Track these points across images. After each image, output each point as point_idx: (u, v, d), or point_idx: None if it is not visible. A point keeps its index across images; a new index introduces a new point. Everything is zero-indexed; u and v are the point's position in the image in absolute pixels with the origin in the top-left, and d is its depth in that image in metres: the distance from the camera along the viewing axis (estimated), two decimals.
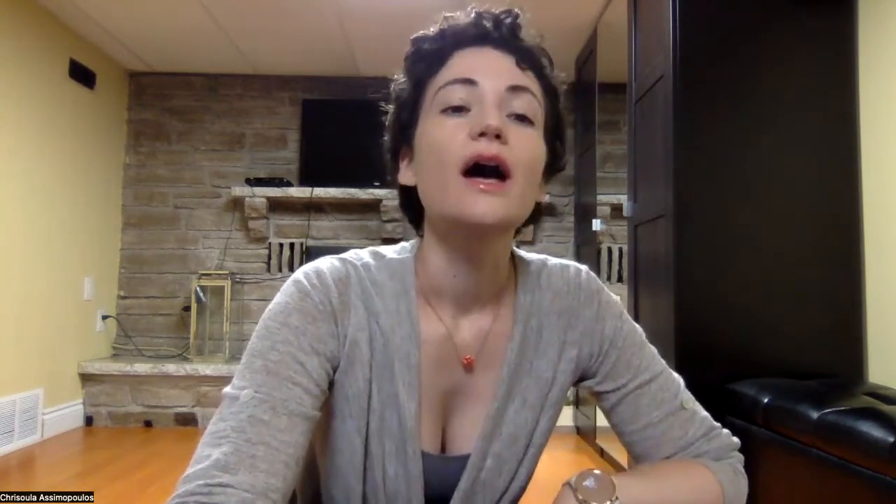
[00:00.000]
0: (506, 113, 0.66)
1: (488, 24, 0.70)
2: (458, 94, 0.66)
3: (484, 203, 0.63)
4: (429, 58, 0.70)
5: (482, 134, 0.64)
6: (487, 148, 0.63)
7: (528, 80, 0.69)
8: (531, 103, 0.68)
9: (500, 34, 0.70)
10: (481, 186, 0.63)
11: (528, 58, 0.70)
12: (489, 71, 0.67)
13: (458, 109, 0.66)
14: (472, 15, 0.71)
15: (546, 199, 0.76)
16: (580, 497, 0.65)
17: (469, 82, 0.66)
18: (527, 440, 0.75)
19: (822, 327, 2.00)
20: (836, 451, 1.44)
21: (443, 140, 0.65)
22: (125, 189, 4.02)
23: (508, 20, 0.70)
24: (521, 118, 0.67)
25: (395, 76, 0.74)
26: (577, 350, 0.77)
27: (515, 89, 0.67)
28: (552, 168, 0.74)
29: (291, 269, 3.98)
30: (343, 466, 0.71)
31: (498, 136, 0.64)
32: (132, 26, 3.41)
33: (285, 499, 0.59)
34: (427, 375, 0.72)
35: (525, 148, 0.66)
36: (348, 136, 3.78)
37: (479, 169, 0.64)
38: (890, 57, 1.96)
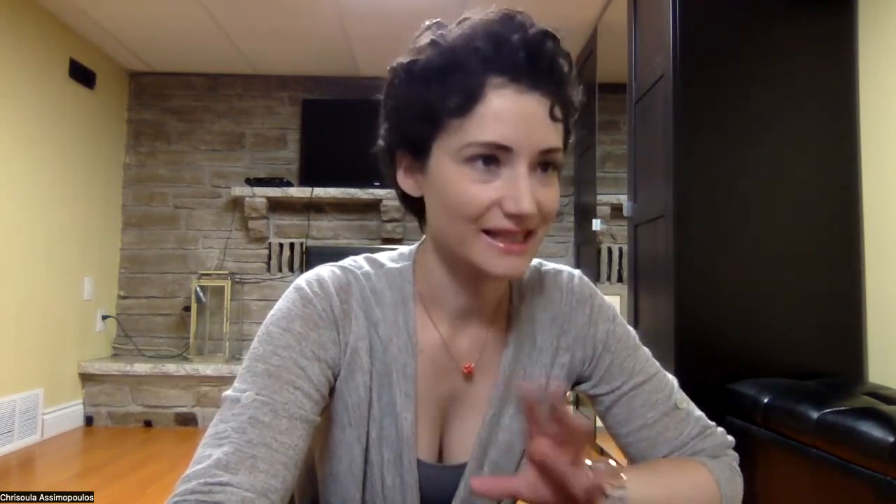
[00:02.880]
0: (533, 167, 0.63)
1: (525, 54, 0.62)
2: (490, 152, 0.62)
3: (506, 264, 0.64)
4: (454, 89, 0.62)
5: (514, 215, 0.62)
6: (515, 227, 0.63)
7: (558, 133, 0.64)
8: (557, 156, 0.65)
9: (538, 69, 0.62)
10: (501, 246, 0.63)
11: (563, 98, 0.65)
12: (524, 131, 0.61)
13: (487, 161, 0.62)
14: (510, 38, 0.62)
15: None
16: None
17: (503, 148, 0.61)
18: (522, 447, 0.76)
19: (822, 327, 2.00)
20: (836, 451, 1.44)
21: (470, 202, 0.62)
22: (125, 189, 4.03)
23: (546, 47, 0.63)
24: (547, 167, 0.65)
25: (401, 71, 0.67)
26: (569, 355, 0.77)
27: (548, 152, 0.63)
28: None
29: (291, 270, 3.99)
30: (342, 474, 0.72)
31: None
32: (132, 26, 3.41)
33: (284, 501, 0.60)
34: (424, 384, 0.72)
35: (550, 205, 0.65)
36: (348, 136, 3.77)
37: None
38: (890, 57, 1.96)
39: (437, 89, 0.63)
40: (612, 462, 0.67)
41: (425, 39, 0.66)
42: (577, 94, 0.68)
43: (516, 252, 0.64)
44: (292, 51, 3.71)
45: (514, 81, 0.62)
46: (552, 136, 0.64)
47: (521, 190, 0.61)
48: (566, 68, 0.66)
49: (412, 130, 0.66)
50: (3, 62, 2.93)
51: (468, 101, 0.62)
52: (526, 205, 0.61)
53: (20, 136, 3.06)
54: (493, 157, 0.62)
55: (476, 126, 0.62)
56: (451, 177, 0.64)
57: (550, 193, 0.65)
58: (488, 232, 0.63)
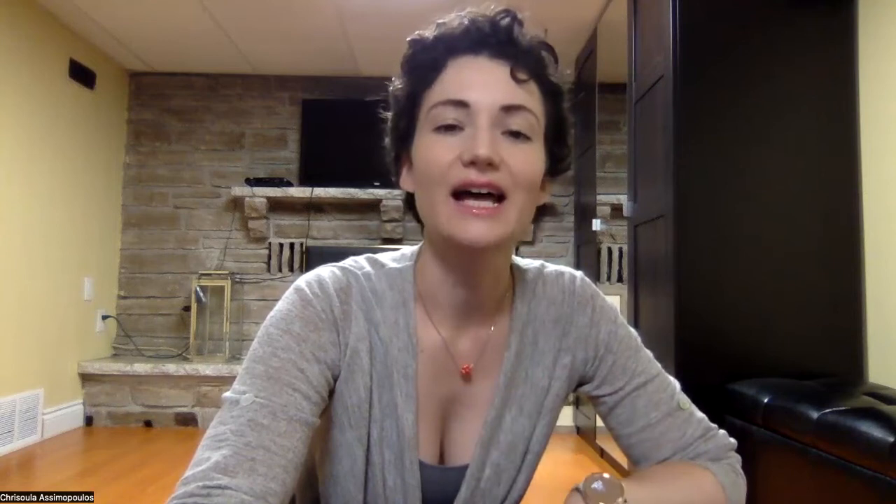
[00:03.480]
0: (500, 130, 0.64)
1: (484, 29, 0.66)
2: (450, 115, 0.64)
3: (476, 227, 0.63)
4: (422, 68, 0.68)
5: (473, 162, 0.62)
6: (478, 177, 0.62)
7: (524, 93, 0.65)
8: (527, 119, 0.65)
9: (496, 39, 0.66)
10: (473, 211, 0.63)
11: (527, 63, 0.66)
12: (482, 89, 0.64)
13: (451, 128, 0.64)
14: (467, 19, 0.67)
15: (547, 199, 0.75)
16: (589, 500, 0.64)
17: (461, 104, 0.64)
18: (524, 448, 0.76)
19: (822, 327, 2.00)
20: (836, 451, 1.44)
21: (434, 161, 0.64)
22: (125, 189, 4.02)
23: (505, 22, 0.67)
24: (517, 134, 0.65)
25: (393, 79, 0.72)
26: (571, 356, 0.77)
27: (510, 109, 0.64)
28: (554, 171, 0.73)
29: (291, 270, 3.99)
30: (343, 476, 0.71)
31: (490, 164, 0.62)
32: (132, 26, 3.41)
33: (283, 503, 0.60)
34: (425, 385, 0.72)
35: (520, 167, 0.64)
36: (348, 136, 3.78)
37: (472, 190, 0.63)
38: (890, 57, 1.96)
39: (413, 76, 0.69)
40: (606, 476, 0.67)
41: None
42: (549, 68, 0.69)
43: (485, 215, 0.63)
44: (292, 51, 3.71)
45: (473, 52, 0.67)
46: (516, 94, 0.65)
47: (477, 137, 0.63)
48: (533, 42, 0.68)
49: (401, 123, 0.70)
50: (3, 62, 2.93)
51: (434, 73, 0.67)
52: (482, 149, 0.61)
53: (20, 136, 3.05)
54: (456, 120, 0.64)
55: (437, 91, 0.66)
56: (421, 146, 0.67)
57: (520, 155, 0.64)
58: (458, 197, 0.63)
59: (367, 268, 0.74)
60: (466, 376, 0.74)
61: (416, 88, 0.68)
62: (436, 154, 0.64)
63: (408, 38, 0.70)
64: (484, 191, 0.63)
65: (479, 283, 0.72)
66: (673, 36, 2.05)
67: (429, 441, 0.73)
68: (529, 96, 0.66)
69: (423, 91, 0.68)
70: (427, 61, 0.68)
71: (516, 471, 0.76)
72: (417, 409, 0.71)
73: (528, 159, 0.65)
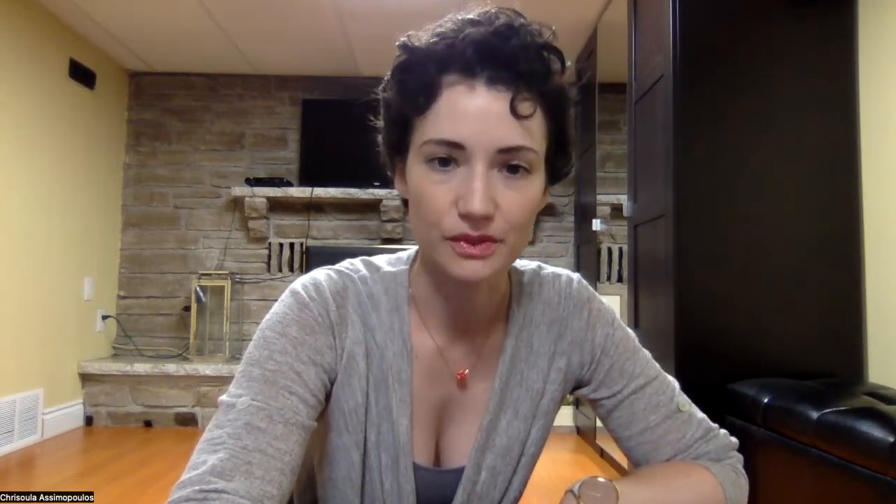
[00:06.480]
0: (498, 168, 0.60)
1: (481, 48, 0.59)
2: (444, 151, 0.60)
3: (470, 267, 0.61)
4: (413, 89, 0.62)
5: (469, 215, 0.59)
6: (472, 230, 0.59)
7: (524, 131, 0.60)
8: (526, 156, 0.60)
9: (495, 61, 0.59)
10: (466, 251, 0.60)
11: (529, 87, 0.60)
12: (478, 127, 0.59)
13: (445, 161, 0.60)
14: (463, 33, 0.60)
15: (546, 202, 0.73)
16: None
17: (455, 146, 0.59)
18: (520, 451, 0.75)
19: (822, 327, 2.00)
20: (836, 451, 1.44)
21: (428, 202, 0.61)
22: (125, 189, 4.02)
23: (506, 37, 0.60)
24: (516, 168, 0.61)
25: (385, 79, 0.67)
26: (566, 360, 0.76)
27: (508, 151, 0.59)
28: (554, 179, 0.69)
29: (291, 270, 3.99)
30: (340, 479, 0.71)
31: (485, 218, 0.59)
32: (132, 26, 3.41)
33: None
34: (419, 390, 0.72)
35: (517, 210, 0.61)
36: (348, 136, 3.76)
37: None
38: (890, 57, 1.96)
39: (404, 91, 0.63)
40: (601, 480, 0.66)
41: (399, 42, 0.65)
42: (553, 79, 0.63)
43: (477, 256, 0.60)
44: (292, 51, 3.71)
45: (467, 78, 0.60)
46: (515, 133, 0.59)
47: (473, 188, 0.58)
48: (537, 53, 0.61)
49: (392, 134, 0.67)
50: (3, 62, 2.93)
51: (426, 99, 0.61)
52: (477, 204, 0.58)
53: (20, 136, 3.05)
54: (450, 156, 0.60)
55: (432, 124, 0.61)
56: (416, 178, 0.63)
57: (515, 197, 0.61)
58: (452, 238, 0.61)
59: (363, 271, 0.73)
60: (461, 382, 0.74)
61: (406, 110, 0.63)
62: (430, 195, 0.61)
63: (397, 43, 0.64)
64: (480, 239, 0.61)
65: (472, 297, 0.71)
66: (673, 36, 2.05)
67: (424, 444, 0.73)
68: (530, 134, 0.60)
69: (415, 117, 0.63)
70: (418, 82, 0.62)
71: (512, 473, 0.75)
72: (412, 414, 0.71)
73: (522, 199, 0.61)
